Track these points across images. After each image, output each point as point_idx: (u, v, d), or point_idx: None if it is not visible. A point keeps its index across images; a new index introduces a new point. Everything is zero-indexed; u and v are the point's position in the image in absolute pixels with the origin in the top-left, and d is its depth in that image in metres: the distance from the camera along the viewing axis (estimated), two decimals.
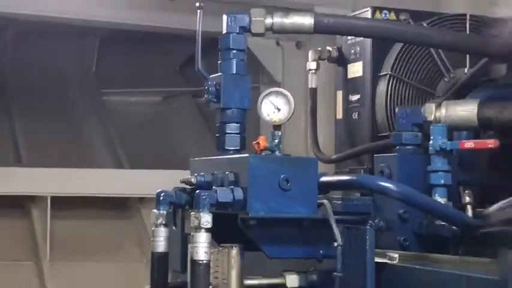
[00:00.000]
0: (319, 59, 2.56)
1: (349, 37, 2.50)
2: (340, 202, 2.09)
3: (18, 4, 4.14)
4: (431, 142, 1.95)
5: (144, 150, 5.10)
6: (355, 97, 2.48)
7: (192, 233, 1.74)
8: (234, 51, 1.96)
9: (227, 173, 1.81)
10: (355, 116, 2.48)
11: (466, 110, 1.98)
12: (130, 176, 4.72)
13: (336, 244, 1.74)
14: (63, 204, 4.52)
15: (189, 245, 1.78)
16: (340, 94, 2.57)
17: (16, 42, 5.24)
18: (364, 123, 2.42)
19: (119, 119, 5.54)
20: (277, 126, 1.85)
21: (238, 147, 1.95)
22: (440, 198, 1.95)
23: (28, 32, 5.17)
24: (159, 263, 1.95)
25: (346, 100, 2.53)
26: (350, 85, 2.51)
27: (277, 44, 4.37)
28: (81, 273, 4.40)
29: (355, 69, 2.48)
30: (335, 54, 2.55)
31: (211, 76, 2.00)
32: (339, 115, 2.59)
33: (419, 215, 2.04)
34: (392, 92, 2.31)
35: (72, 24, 4.79)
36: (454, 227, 1.95)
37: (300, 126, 3.06)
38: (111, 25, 4.75)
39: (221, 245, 1.89)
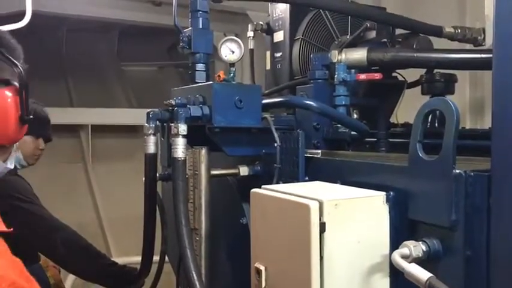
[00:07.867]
0: (255, 30, 3.17)
1: (274, 14, 3.11)
2: (273, 118, 2.28)
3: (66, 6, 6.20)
4: (336, 76, 2.37)
5: (147, 97, 7.63)
6: (278, 54, 3.09)
7: (172, 139, 2.06)
8: (200, 12, 2.32)
9: (197, 96, 2.15)
10: (278, 66, 3.10)
11: (359, 54, 2.51)
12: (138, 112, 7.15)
13: (276, 144, 2.13)
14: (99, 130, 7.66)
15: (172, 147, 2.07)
16: (268, 53, 3.19)
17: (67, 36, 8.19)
18: (285, 71, 3.05)
19: (132, 80, 8.75)
20: (232, 64, 2.27)
21: (204, 80, 2.31)
22: None
23: (74, 29, 7.84)
24: (150, 160, 2.27)
25: (272, 56, 3.14)
26: (275, 46, 3.12)
27: None
28: (112, 169, 7.39)
29: (279, 36, 3.09)
30: (265, 26, 3.16)
31: (184, 30, 2.32)
32: (268, 67, 3.21)
33: (327, 125, 2.35)
34: (303, 50, 2.96)
35: (100, 21, 7.02)
36: (352, 132, 2.30)
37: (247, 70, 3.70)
38: (125, 22, 7.07)
39: (194, 147, 2.21)
